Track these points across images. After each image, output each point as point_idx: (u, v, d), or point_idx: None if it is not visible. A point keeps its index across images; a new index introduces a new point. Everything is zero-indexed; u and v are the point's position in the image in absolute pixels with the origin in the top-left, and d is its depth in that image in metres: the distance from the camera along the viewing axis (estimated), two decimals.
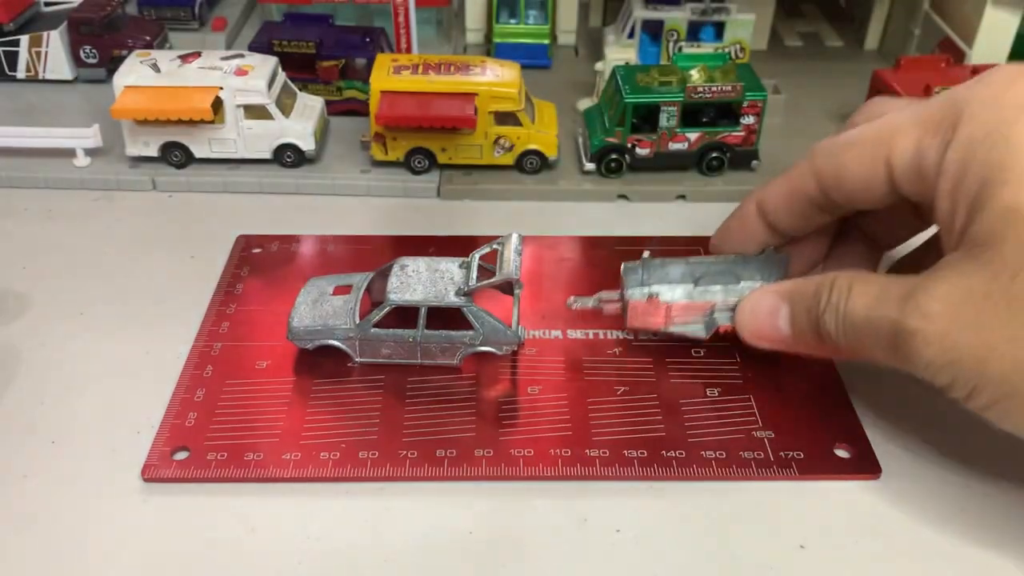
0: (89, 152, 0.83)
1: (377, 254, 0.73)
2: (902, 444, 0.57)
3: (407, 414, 0.58)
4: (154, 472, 0.54)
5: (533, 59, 1.01)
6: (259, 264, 0.72)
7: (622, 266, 0.62)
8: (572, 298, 0.64)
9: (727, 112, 0.80)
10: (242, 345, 0.64)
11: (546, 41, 1.02)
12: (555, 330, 0.65)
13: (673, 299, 0.60)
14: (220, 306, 0.67)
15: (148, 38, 0.96)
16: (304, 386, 0.60)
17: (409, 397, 0.59)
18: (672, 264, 0.61)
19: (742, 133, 0.80)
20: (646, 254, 0.62)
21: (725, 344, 0.62)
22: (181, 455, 0.55)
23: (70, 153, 0.82)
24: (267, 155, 0.82)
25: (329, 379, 0.61)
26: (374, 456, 0.55)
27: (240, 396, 0.59)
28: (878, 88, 0.85)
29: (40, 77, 0.95)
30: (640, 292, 0.61)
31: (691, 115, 0.80)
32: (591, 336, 0.65)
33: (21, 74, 0.95)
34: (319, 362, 0.62)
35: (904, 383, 0.54)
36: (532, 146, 0.82)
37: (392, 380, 0.61)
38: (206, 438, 0.56)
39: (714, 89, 0.78)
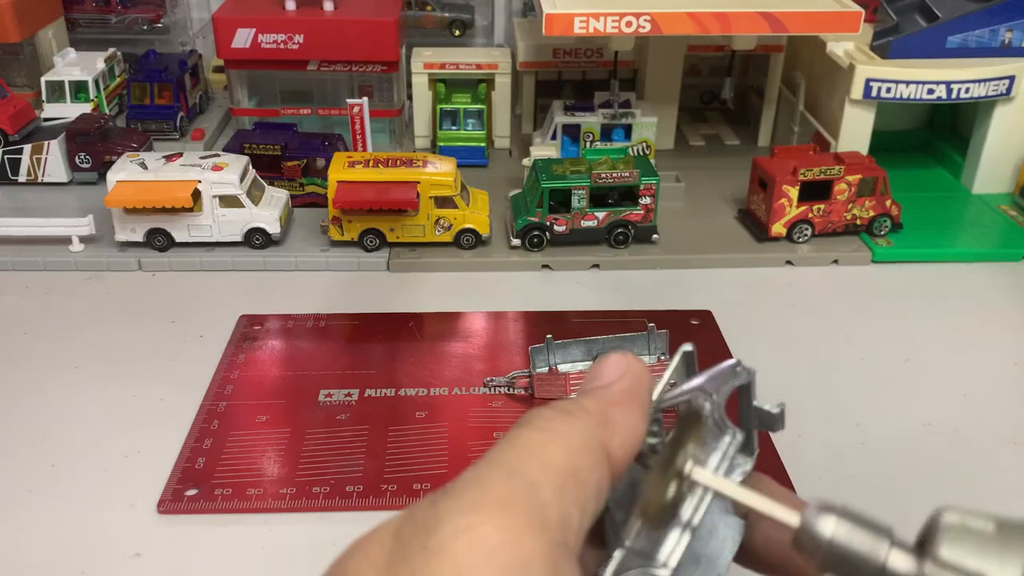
0: (83, 239, 0.95)
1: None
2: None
3: (388, 455, 0.68)
4: (167, 506, 0.64)
5: (472, 159, 1.17)
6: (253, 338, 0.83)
7: (530, 348, 0.74)
8: (488, 379, 0.75)
9: (628, 194, 0.95)
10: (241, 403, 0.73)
11: (483, 144, 1.18)
12: (519, 388, 0.75)
13: (571, 371, 0.73)
14: (225, 371, 0.77)
15: (135, 146, 1.10)
16: (298, 435, 0.70)
17: (390, 442, 0.69)
18: (573, 344, 0.74)
19: (641, 212, 0.95)
20: (549, 336, 0.74)
21: None
22: (191, 492, 0.65)
23: (66, 240, 0.95)
24: (239, 238, 0.95)
25: (320, 428, 0.70)
26: (359, 489, 0.65)
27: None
28: (758, 173, 1.01)
29: (39, 180, 1.09)
30: (544, 368, 0.73)
31: (598, 197, 0.95)
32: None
33: (22, 178, 1.08)
34: (312, 416, 0.72)
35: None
36: (468, 225, 0.96)
37: (375, 429, 0.70)
38: (213, 478, 0.66)
39: (615, 175, 0.93)
